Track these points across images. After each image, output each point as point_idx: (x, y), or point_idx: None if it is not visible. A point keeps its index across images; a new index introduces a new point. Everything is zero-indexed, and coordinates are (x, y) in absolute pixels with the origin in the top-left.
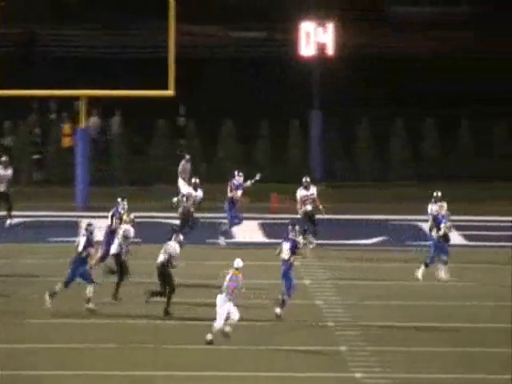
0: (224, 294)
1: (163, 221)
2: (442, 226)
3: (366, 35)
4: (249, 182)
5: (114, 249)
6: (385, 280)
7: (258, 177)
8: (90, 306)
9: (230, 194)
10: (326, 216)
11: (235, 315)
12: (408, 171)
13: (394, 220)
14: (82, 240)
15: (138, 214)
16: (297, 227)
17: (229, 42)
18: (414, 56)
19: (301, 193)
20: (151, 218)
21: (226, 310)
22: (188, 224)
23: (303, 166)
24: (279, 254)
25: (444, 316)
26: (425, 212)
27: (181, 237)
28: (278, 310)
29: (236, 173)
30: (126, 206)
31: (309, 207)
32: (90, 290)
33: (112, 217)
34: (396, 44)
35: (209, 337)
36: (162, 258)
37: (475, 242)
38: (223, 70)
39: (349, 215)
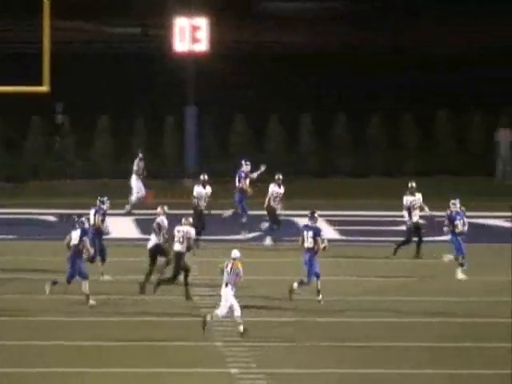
0: (228, 286)
1: (39, 217)
2: (458, 223)
3: (240, 31)
4: (255, 174)
5: (150, 242)
6: (263, 275)
7: (262, 168)
8: (91, 302)
9: (238, 185)
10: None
11: (238, 311)
12: (285, 167)
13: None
14: (74, 233)
15: (12, 211)
16: (316, 215)
17: (103, 37)
18: (287, 51)
19: (274, 189)
20: (26, 214)
21: (229, 302)
22: (203, 223)
23: (179, 162)
24: (302, 243)
25: (325, 310)
26: (298, 207)
27: (190, 219)
28: (319, 297)
29: (243, 162)
30: (108, 204)
31: (276, 205)
32: (85, 286)
33: (95, 215)
34: (270, 39)
35: (241, 328)
36: (178, 247)
37: (349, 237)
38: (98, 66)
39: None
